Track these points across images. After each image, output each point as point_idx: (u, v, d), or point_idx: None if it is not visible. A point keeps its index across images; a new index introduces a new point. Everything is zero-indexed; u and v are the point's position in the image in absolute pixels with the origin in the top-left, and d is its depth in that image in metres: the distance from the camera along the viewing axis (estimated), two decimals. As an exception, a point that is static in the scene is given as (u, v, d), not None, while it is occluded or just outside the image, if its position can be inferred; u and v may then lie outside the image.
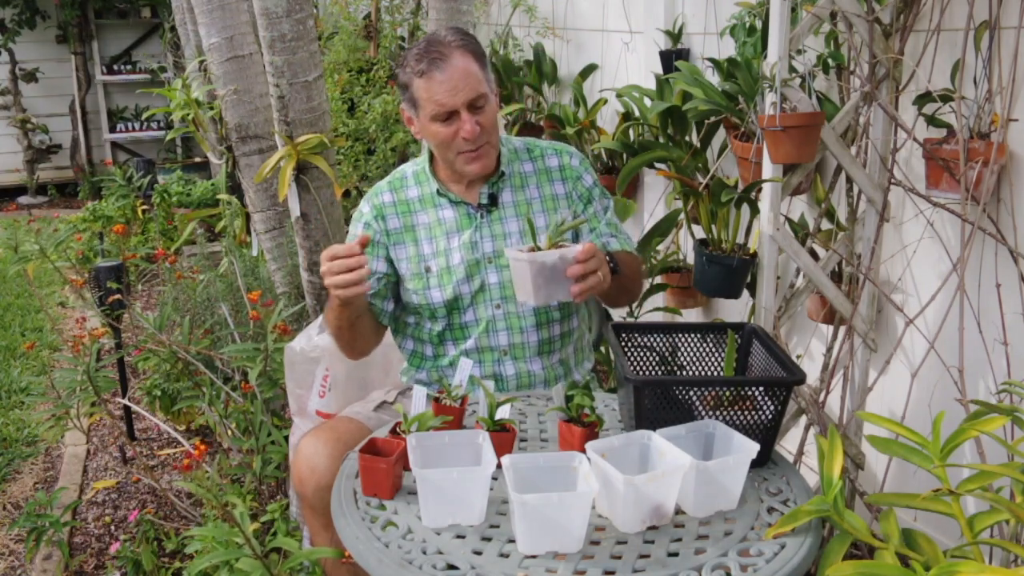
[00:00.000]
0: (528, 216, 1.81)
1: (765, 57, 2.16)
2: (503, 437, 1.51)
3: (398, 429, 1.53)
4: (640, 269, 2.05)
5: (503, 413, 1.56)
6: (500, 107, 1.99)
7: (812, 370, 2.39)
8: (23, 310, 4.78)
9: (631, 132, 3.07)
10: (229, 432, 2.58)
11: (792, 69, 2.17)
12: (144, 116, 6.69)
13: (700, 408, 1.52)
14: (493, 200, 1.96)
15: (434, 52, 1.82)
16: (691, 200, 2.51)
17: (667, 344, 1.78)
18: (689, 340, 1.78)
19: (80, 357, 2.54)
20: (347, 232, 3.11)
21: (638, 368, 1.77)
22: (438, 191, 1.96)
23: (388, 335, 2.35)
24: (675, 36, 3.15)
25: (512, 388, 1.96)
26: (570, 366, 2.03)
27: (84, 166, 7.44)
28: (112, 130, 7.50)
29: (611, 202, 2.06)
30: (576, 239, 1.98)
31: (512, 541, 1.30)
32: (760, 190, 2.21)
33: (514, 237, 1.94)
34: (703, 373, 1.78)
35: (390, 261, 1.98)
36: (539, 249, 1.66)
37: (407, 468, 1.43)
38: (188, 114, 3.26)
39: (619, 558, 1.26)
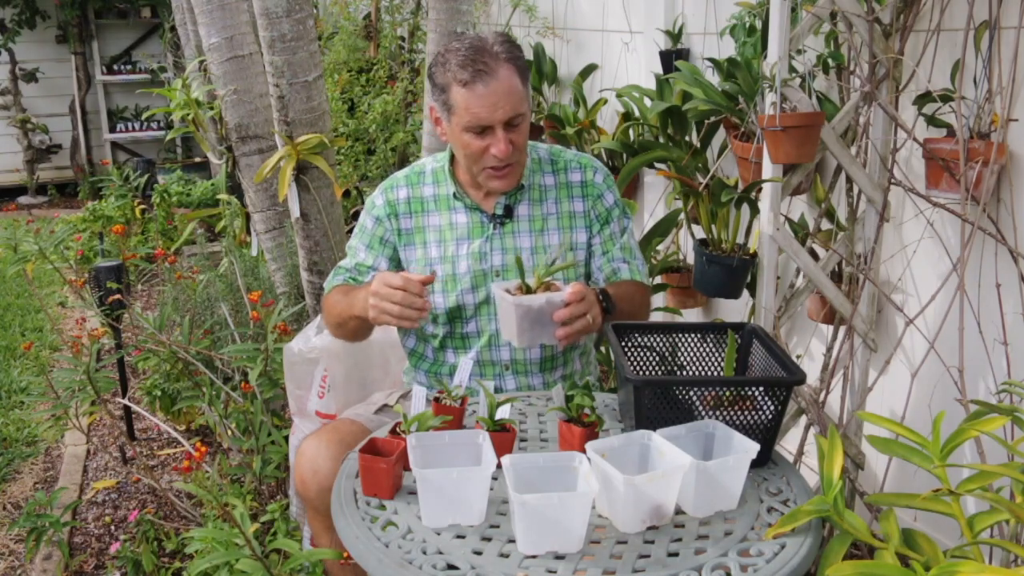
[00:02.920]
0: (517, 254, 1.77)
1: (765, 57, 2.17)
2: (503, 437, 1.51)
3: (398, 429, 1.53)
4: (645, 303, 1.98)
5: (503, 413, 1.55)
6: (531, 117, 1.94)
7: (812, 370, 2.39)
8: (23, 310, 4.78)
9: (631, 132, 3.07)
10: (229, 432, 2.58)
11: (792, 69, 2.17)
12: (144, 116, 6.69)
13: (700, 408, 1.52)
14: (508, 212, 1.92)
15: (481, 64, 1.74)
16: (691, 200, 2.51)
17: (667, 344, 1.78)
18: (689, 340, 1.78)
19: (80, 357, 2.54)
20: (350, 227, 3.13)
21: (638, 368, 1.77)
22: (455, 194, 1.93)
23: (387, 335, 2.36)
24: (675, 36, 3.15)
25: None
26: (574, 382, 2.02)
27: (84, 166, 7.44)
28: (112, 130, 7.50)
29: (630, 223, 2.01)
30: (587, 261, 1.97)
31: (512, 541, 1.30)
32: (760, 190, 2.21)
33: (524, 253, 1.91)
34: (703, 373, 1.78)
35: (397, 261, 1.96)
36: (528, 287, 1.66)
37: (407, 468, 1.43)
38: (188, 114, 3.26)
39: (619, 558, 1.26)
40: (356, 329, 1.92)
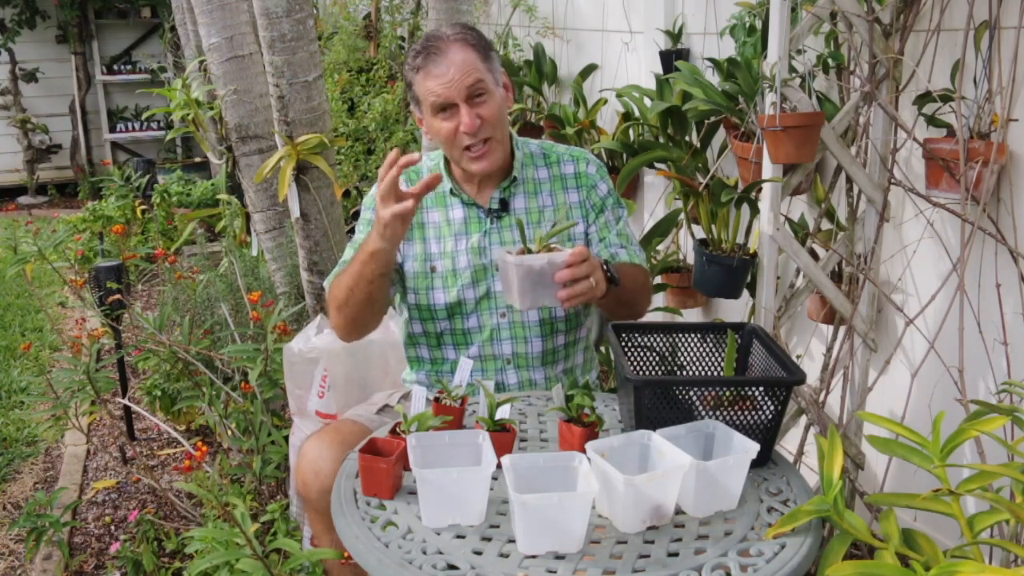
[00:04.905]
0: (519, 220, 1.75)
1: (765, 57, 2.17)
2: (503, 437, 1.51)
3: (398, 429, 1.53)
4: (647, 284, 1.98)
5: (503, 413, 1.55)
6: (512, 102, 1.94)
7: (812, 370, 2.39)
8: (23, 310, 4.78)
9: (631, 132, 3.07)
10: (229, 432, 2.58)
11: (792, 69, 2.17)
12: (144, 116, 6.69)
13: (700, 408, 1.52)
14: (504, 206, 1.93)
15: (431, 46, 1.81)
16: (691, 200, 2.51)
17: (667, 344, 1.78)
18: (689, 340, 1.78)
19: (80, 357, 2.54)
20: (350, 227, 3.13)
21: (638, 368, 1.77)
22: (451, 191, 1.93)
23: (387, 335, 2.36)
24: (675, 36, 3.15)
25: None
26: (575, 376, 2.02)
27: (84, 166, 7.44)
28: (112, 130, 7.50)
29: (625, 212, 2.02)
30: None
31: (512, 541, 1.30)
32: (760, 190, 2.21)
33: (520, 246, 1.90)
34: (703, 373, 1.78)
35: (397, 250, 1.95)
36: (530, 252, 1.63)
37: (407, 468, 1.43)
38: (188, 114, 3.26)
39: (619, 558, 1.26)
40: (367, 295, 1.81)
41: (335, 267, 1.99)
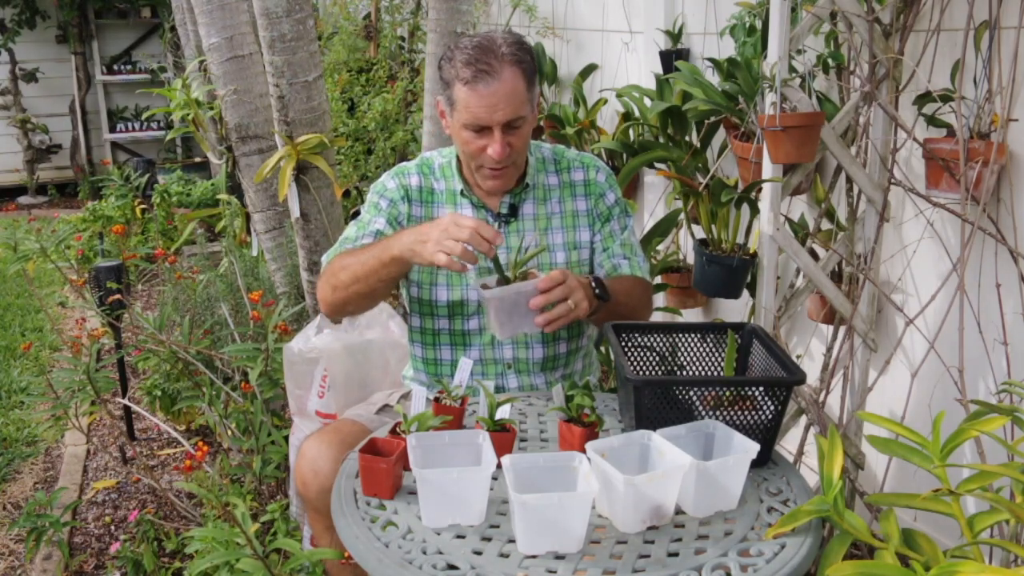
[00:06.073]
0: (495, 256, 1.69)
1: (765, 57, 2.17)
2: (503, 437, 1.51)
3: (398, 429, 1.53)
4: (646, 297, 1.97)
5: (503, 413, 1.55)
6: (537, 117, 1.93)
7: (812, 370, 2.39)
8: (23, 310, 4.78)
9: (631, 132, 3.07)
10: (229, 432, 2.58)
11: (792, 69, 2.17)
12: (144, 116, 6.69)
13: (700, 408, 1.52)
14: (513, 211, 1.93)
15: (484, 63, 1.75)
16: (691, 200, 2.51)
17: (667, 344, 1.78)
18: (689, 340, 1.78)
19: (80, 357, 2.54)
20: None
21: (638, 368, 1.77)
22: (462, 191, 1.93)
23: (387, 335, 2.36)
24: (675, 36, 3.15)
25: None
26: (575, 382, 2.01)
27: (84, 166, 7.44)
28: (112, 130, 7.50)
29: (631, 221, 2.02)
30: (591, 260, 1.98)
31: (512, 541, 1.30)
32: (760, 190, 2.21)
33: (529, 251, 1.91)
34: (703, 373, 1.78)
35: None
36: (508, 281, 1.66)
37: (407, 468, 1.43)
38: (188, 114, 3.26)
39: (619, 558, 1.26)
40: (371, 290, 1.79)
41: (339, 241, 1.93)
